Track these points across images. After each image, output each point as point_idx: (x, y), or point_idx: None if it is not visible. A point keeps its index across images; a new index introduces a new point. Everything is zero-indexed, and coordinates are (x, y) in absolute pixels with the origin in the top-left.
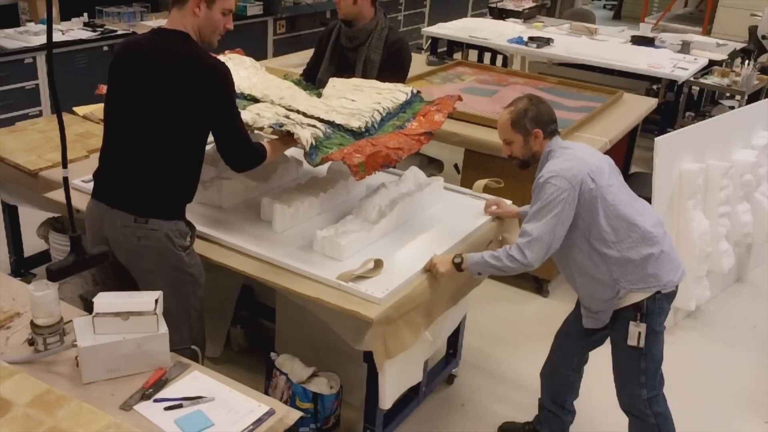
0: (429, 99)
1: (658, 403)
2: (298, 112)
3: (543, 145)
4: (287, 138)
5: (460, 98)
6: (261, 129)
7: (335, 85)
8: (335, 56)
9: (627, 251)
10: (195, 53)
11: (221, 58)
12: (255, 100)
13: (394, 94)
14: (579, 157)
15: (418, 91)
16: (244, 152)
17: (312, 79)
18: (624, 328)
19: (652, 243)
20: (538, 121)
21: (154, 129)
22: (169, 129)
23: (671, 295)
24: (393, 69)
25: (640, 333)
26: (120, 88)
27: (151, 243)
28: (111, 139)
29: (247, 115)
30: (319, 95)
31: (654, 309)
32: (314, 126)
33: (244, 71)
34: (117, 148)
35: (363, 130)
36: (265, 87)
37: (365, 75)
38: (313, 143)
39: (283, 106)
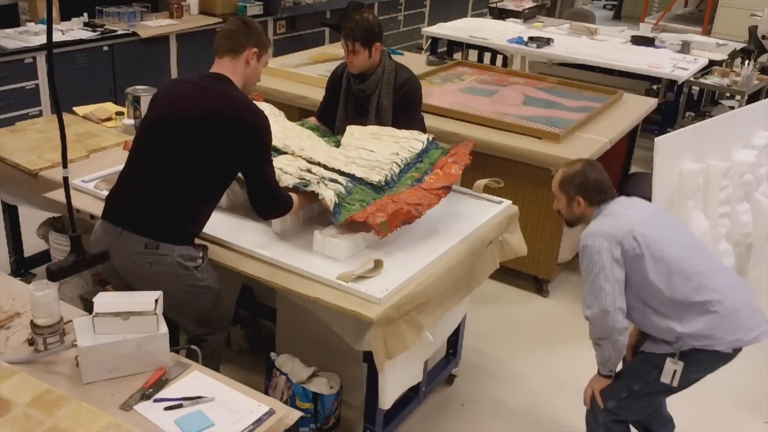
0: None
1: (616, 423)
2: (318, 164)
3: (587, 211)
4: (312, 195)
5: (474, 144)
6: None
7: (353, 133)
8: (350, 104)
9: (681, 306)
10: (238, 98)
11: None
12: (276, 150)
13: (411, 143)
14: (620, 214)
15: (434, 138)
16: (273, 202)
17: (326, 120)
18: (654, 360)
19: (707, 293)
20: (583, 190)
21: (186, 164)
22: (202, 166)
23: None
24: (405, 110)
25: (675, 371)
26: (159, 119)
27: (162, 269)
28: (135, 167)
29: None
30: (337, 143)
31: (704, 357)
32: (336, 180)
33: None
34: (140, 176)
35: (383, 183)
36: (285, 137)
37: (379, 120)
38: (337, 201)
39: (305, 158)
